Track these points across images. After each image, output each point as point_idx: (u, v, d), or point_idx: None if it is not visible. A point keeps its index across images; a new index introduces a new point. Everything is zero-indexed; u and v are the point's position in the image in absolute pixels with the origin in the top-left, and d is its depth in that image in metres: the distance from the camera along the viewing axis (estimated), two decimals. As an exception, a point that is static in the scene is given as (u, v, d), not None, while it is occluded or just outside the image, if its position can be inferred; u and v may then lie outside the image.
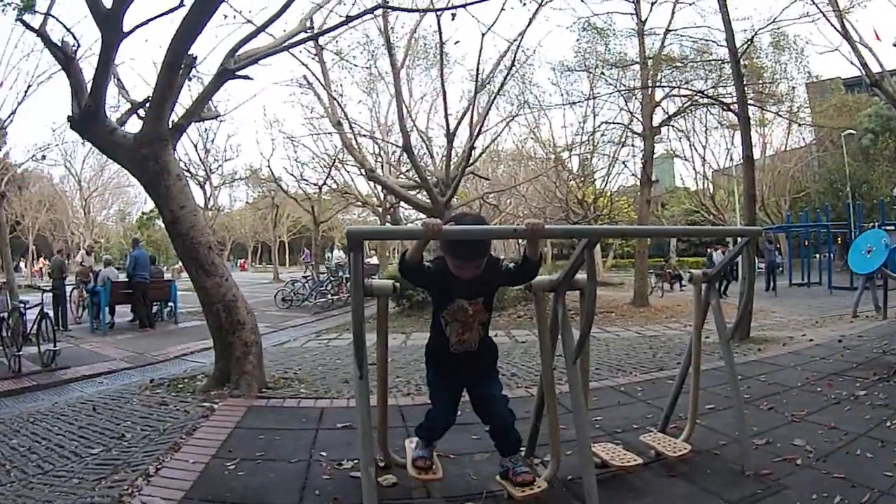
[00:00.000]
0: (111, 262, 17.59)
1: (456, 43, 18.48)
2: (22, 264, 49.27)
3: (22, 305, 10.08)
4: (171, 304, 17.17)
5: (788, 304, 17.85)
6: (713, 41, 17.00)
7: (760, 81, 21.93)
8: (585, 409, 3.56)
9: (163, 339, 13.40)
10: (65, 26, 7.23)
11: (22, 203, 45.16)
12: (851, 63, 14.05)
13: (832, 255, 26.22)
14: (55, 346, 9.73)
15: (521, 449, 3.76)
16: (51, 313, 11.05)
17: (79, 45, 7.41)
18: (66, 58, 7.21)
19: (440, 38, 15.42)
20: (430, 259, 3.48)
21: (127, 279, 15.81)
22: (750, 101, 14.74)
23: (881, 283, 11.46)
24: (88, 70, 7.18)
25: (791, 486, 3.64)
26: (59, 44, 7.18)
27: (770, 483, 3.70)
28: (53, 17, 7.33)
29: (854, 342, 8.72)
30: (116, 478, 4.10)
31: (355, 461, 4.10)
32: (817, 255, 27.99)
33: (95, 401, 6.88)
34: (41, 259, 47.01)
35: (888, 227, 11.49)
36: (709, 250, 31.06)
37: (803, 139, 40.55)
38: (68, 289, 16.70)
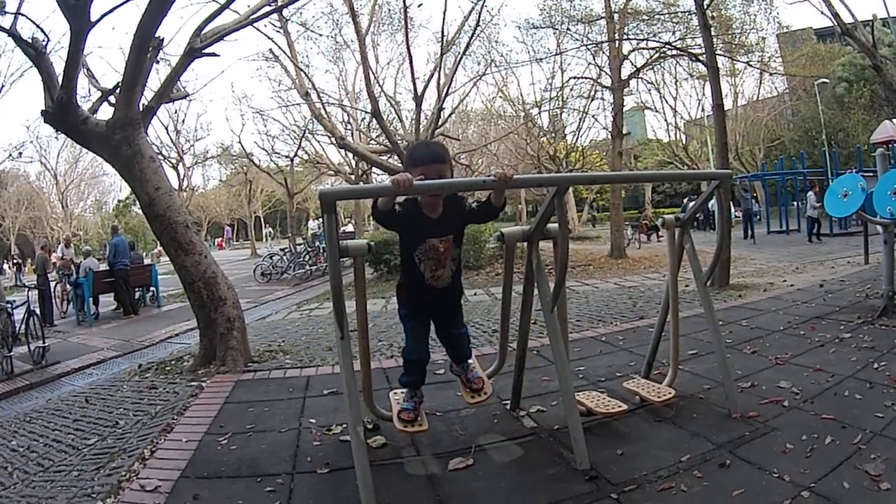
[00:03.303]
0: (90, 252, 17.46)
1: (419, 6, 18.44)
2: (6, 266, 48.89)
3: (9, 306, 10.01)
4: (153, 288, 17.14)
5: (767, 252, 17.97)
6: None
7: (729, 32, 21.95)
8: (566, 357, 3.60)
9: (147, 324, 13.37)
10: (34, 23, 7.19)
11: (1, 204, 44.79)
12: (822, 13, 14.09)
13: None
14: (44, 342, 9.70)
15: (506, 402, 3.92)
16: (38, 310, 10.99)
17: (48, 40, 7.35)
18: (36, 53, 7.15)
19: (403, 2, 15.33)
20: (401, 203, 3.50)
21: (108, 268, 15.70)
22: (719, 52, 14.74)
23: (861, 227, 11.51)
24: (59, 64, 7.17)
25: (780, 427, 3.64)
26: (30, 40, 7.13)
27: (758, 425, 3.71)
28: (24, 15, 7.28)
29: (836, 287, 8.81)
30: (114, 465, 4.13)
31: (344, 426, 4.15)
32: (795, 203, 28.17)
33: (87, 392, 6.90)
34: (28, 262, 46.75)
35: (866, 174, 11.53)
36: (684, 201, 31.24)
37: (776, 88, 40.66)
38: (52, 284, 16.58)
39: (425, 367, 3.91)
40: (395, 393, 4.24)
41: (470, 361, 4.05)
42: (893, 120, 19.36)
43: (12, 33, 7.14)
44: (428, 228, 3.52)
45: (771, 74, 32.90)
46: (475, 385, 3.94)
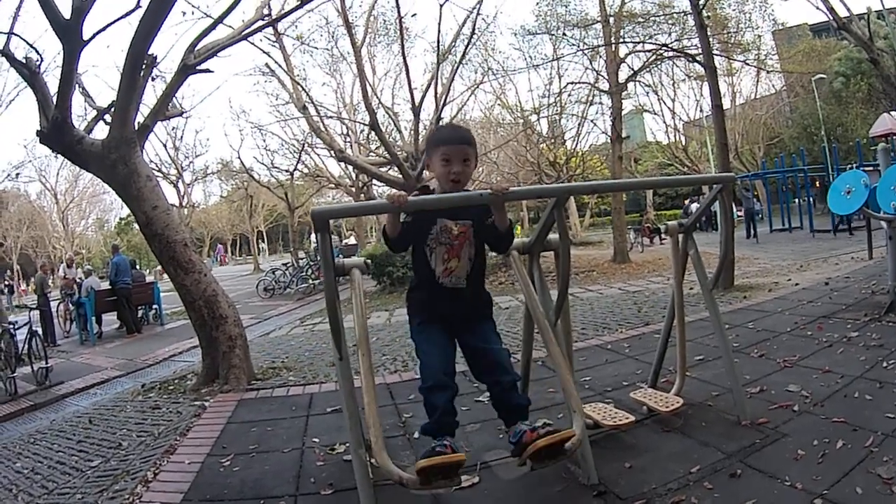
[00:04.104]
0: (92, 271, 17.50)
1: (413, 16, 18.50)
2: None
3: (11, 326, 9.99)
4: (155, 306, 17.16)
5: (771, 251, 17.94)
6: (674, -6, 16.95)
7: (725, 31, 21.95)
8: (571, 371, 3.54)
9: (150, 343, 13.35)
10: (27, 42, 7.21)
11: (3, 224, 44.90)
12: (817, 8, 14.04)
13: (812, 199, 26.33)
14: (47, 362, 9.73)
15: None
16: (40, 330, 10.98)
17: (42, 60, 7.36)
18: (30, 73, 7.16)
19: (398, 12, 15.34)
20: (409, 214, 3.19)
21: (110, 286, 15.73)
22: (715, 52, 14.70)
23: (864, 224, 11.48)
24: (53, 83, 7.15)
25: (790, 432, 3.58)
26: (24, 60, 7.12)
27: (768, 431, 3.65)
28: (17, 35, 7.29)
29: (841, 284, 8.73)
30: (117, 487, 4.09)
31: (347, 444, 4.08)
32: (797, 200, 28.10)
33: (91, 413, 6.88)
34: (22, 282, 46.90)
35: (866, 168, 11.49)
36: (686, 202, 31.18)
37: (773, 86, 40.64)
38: (53, 304, 16.59)
39: (450, 401, 3.02)
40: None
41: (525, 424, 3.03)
42: (892, 113, 19.31)
43: (6, 53, 7.17)
44: (442, 211, 3.14)
45: (768, 72, 32.93)
46: (546, 429, 2.91)
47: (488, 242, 3.30)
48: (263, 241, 67.06)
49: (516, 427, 3.02)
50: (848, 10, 14.21)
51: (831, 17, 13.83)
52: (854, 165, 15.68)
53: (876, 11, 17.58)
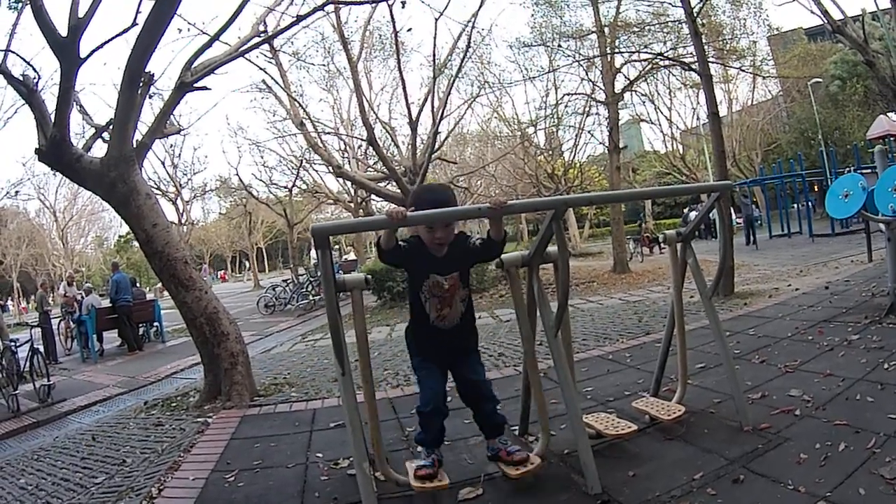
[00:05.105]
0: (92, 289, 17.52)
1: (409, 31, 18.55)
2: (9, 303, 49.00)
3: (13, 344, 10.01)
4: (156, 323, 17.16)
5: (770, 256, 17.93)
6: (668, 3, 16.98)
7: (720, 38, 22.02)
8: (573, 382, 3.55)
9: (152, 360, 13.36)
10: (25, 60, 7.21)
11: (2, 241, 44.92)
12: (812, 12, 14.04)
13: (811, 204, 26.35)
14: (49, 380, 9.75)
15: (514, 428, 3.82)
16: (41, 348, 11.00)
17: (39, 77, 7.36)
18: (28, 91, 7.15)
19: (394, 27, 15.36)
20: (405, 238, 3.48)
21: (110, 304, 15.74)
22: (711, 59, 14.75)
23: (862, 226, 11.48)
24: (51, 101, 7.16)
25: (792, 437, 3.59)
26: (21, 78, 7.13)
27: (770, 436, 3.65)
28: (14, 52, 7.31)
29: (841, 288, 8.73)
30: (122, 504, 4.08)
31: (351, 459, 4.08)
32: (795, 205, 28.13)
33: (94, 430, 6.87)
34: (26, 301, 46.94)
35: (864, 171, 11.50)
36: (685, 210, 31.21)
37: (769, 92, 40.81)
38: (54, 321, 16.60)
39: (442, 422, 3.61)
40: (412, 462, 3.74)
41: (504, 439, 3.68)
42: (889, 114, 19.36)
43: (3, 71, 7.19)
44: (432, 265, 3.49)
45: (764, 78, 32.99)
46: (517, 457, 3.49)
47: (478, 258, 3.67)
48: (247, 261, 67.39)
49: (494, 444, 3.65)
50: (842, 12, 14.26)
51: (825, 21, 13.87)
52: (852, 168, 15.73)
53: (871, 13, 17.66)
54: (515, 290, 3.84)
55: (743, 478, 3.18)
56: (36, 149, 7.13)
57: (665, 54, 17.82)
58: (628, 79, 20.94)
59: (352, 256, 33.02)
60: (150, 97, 8.85)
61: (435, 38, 21.41)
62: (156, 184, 29.92)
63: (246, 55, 9.06)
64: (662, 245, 24.54)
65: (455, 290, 3.55)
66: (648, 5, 19.18)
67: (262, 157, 35.53)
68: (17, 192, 33.48)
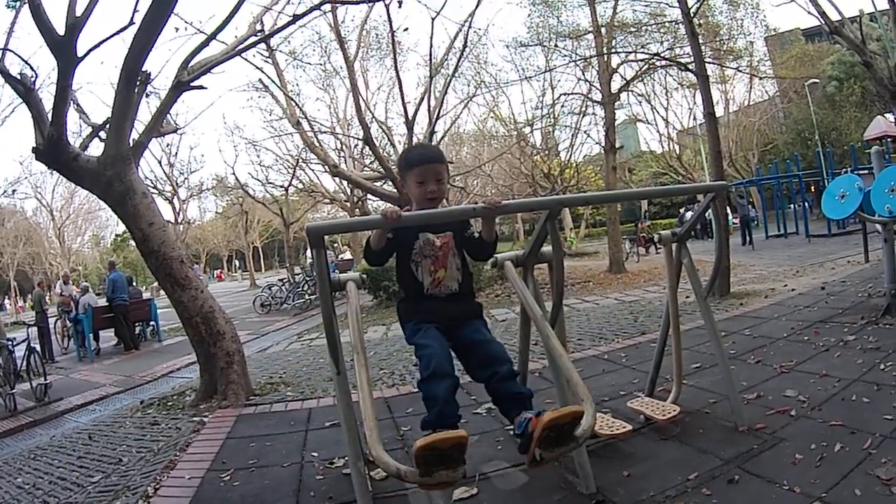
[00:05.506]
0: (88, 288, 17.50)
1: (405, 30, 18.54)
2: (6, 302, 48.98)
3: (9, 343, 10.01)
4: (152, 322, 17.14)
5: (766, 257, 17.90)
6: (665, 3, 16.99)
7: (717, 39, 22.04)
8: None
9: (148, 359, 13.36)
10: (22, 59, 7.18)
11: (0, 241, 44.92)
12: (809, 13, 14.03)
13: (808, 205, 26.35)
14: (45, 379, 9.77)
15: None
16: (38, 347, 10.98)
17: (37, 76, 7.34)
18: (25, 90, 7.13)
19: (390, 26, 15.40)
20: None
21: (107, 303, 15.73)
22: (707, 59, 14.76)
23: (859, 227, 11.48)
24: (48, 100, 7.14)
25: (788, 437, 3.60)
26: (19, 76, 7.12)
27: (766, 437, 3.66)
28: (11, 51, 7.29)
29: (837, 288, 8.74)
30: (118, 503, 4.10)
31: (346, 458, 4.08)
32: (792, 206, 28.13)
33: (90, 429, 6.88)
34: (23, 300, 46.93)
35: (861, 172, 11.51)
36: (681, 210, 31.19)
37: (766, 92, 40.86)
38: (51, 321, 16.58)
39: (450, 392, 2.79)
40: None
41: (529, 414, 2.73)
42: (886, 115, 19.37)
43: (1, 70, 7.15)
44: (424, 225, 3.16)
45: (761, 78, 33.07)
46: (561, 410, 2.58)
47: (469, 252, 3.32)
48: (237, 260, 67.43)
49: (520, 417, 2.74)
50: (839, 13, 14.25)
51: (823, 22, 13.87)
52: (848, 169, 15.73)
53: (868, 14, 17.66)
54: (516, 283, 3.71)
55: (738, 478, 3.19)
56: (33, 147, 7.11)
57: (662, 54, 17.84)
58: (625, 79, 21.00)
59: (348, 256, 32.95)
60: (147, 96, 8.87)
61: (431, 37, 21.38)
62: (152, 183, 30.02)
63: (243, 54, 9.06)
64: (658, 246, 24.66)
65: (448, 251, 3.20)
66: (645, 5, 19.25)
67: (258, 157, 35.65)
68: (14, 190, 33.54)
